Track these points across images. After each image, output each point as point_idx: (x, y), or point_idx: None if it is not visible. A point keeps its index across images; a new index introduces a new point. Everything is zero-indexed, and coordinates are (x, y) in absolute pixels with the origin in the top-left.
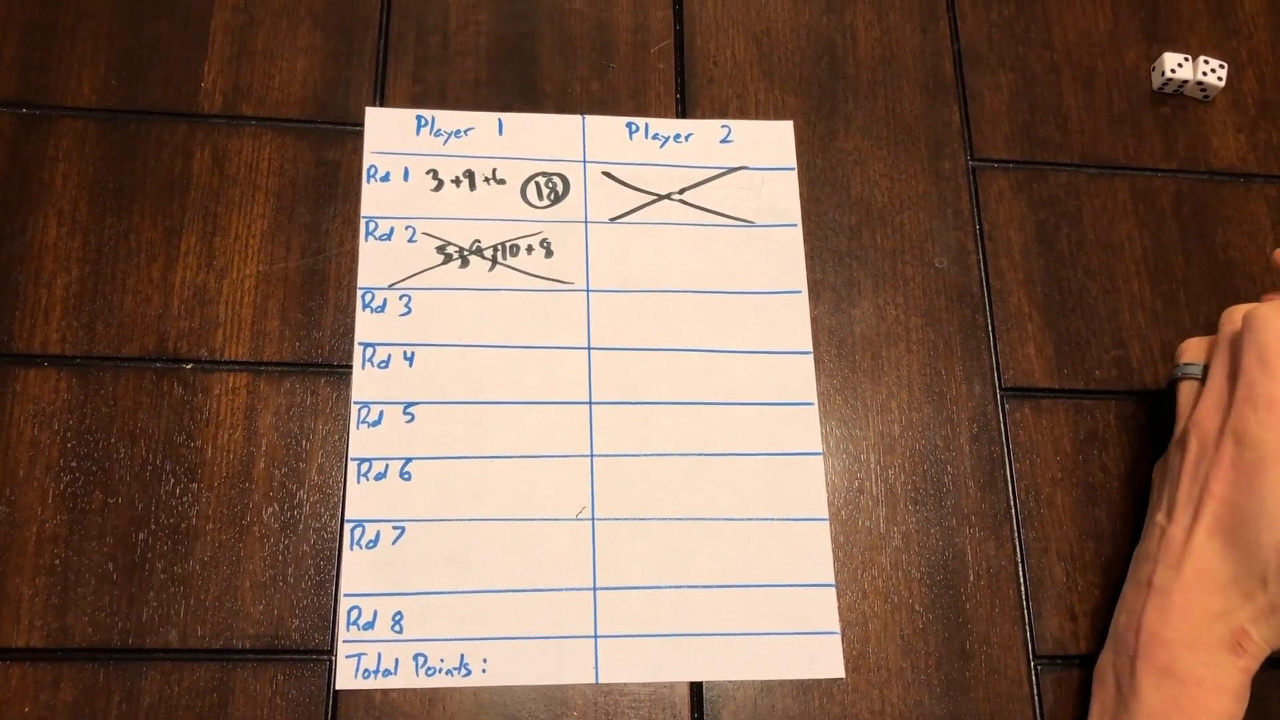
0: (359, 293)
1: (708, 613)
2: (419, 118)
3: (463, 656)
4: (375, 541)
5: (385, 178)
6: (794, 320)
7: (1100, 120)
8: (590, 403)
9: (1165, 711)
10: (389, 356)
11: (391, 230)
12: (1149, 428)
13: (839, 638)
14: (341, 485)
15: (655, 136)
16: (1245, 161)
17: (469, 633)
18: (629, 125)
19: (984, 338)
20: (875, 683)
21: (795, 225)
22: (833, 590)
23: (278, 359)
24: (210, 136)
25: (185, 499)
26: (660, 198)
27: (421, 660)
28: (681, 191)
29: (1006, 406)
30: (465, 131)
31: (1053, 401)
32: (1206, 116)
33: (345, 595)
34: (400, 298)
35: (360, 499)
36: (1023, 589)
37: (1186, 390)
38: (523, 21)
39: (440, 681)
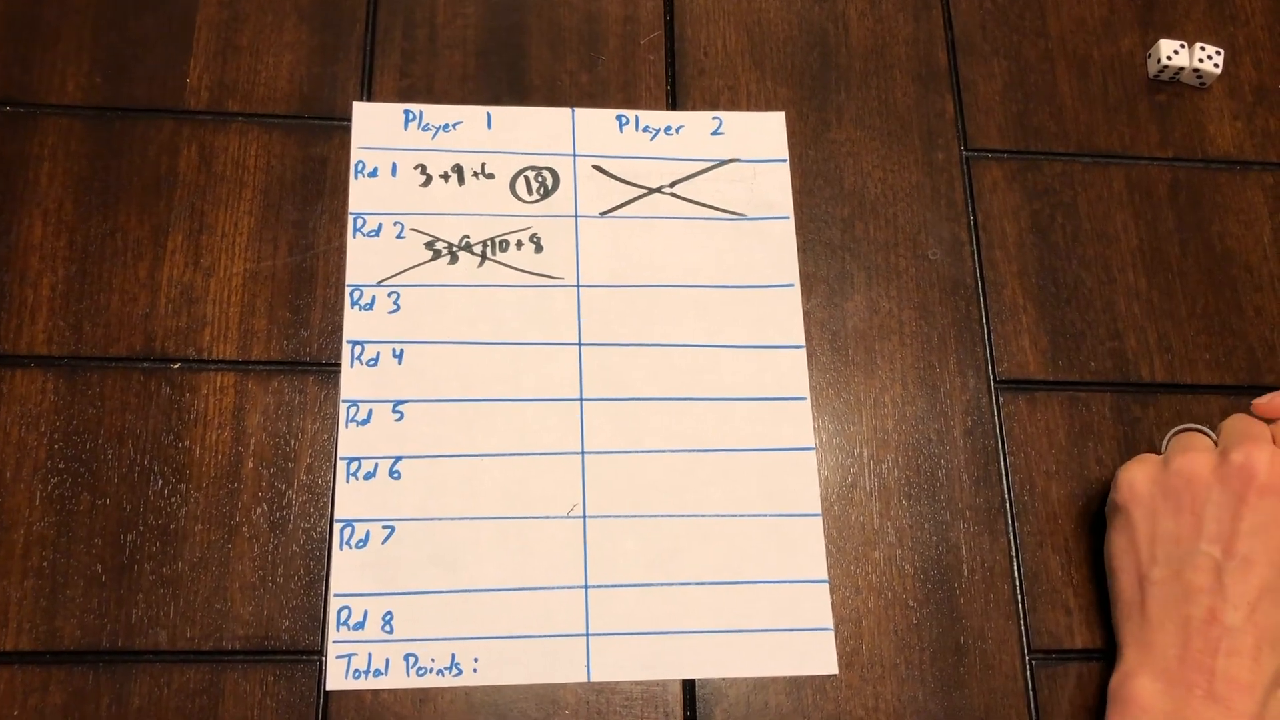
0: (347, 290)
1: (700, 610)
2: (406, 112)
3: (454, 656)
4: (365, 541)
5: (373, 173)
6: (786, 314)
7: (1095, 109)
8: (581, 399)
9: None
10: (378, 354)
11: (380, 226)
12: (1144, 420)
13: (832, 634)
14: (331, 485)
15: (646, 129)
16: (1242, 149)
17: (460, 632)
18: (619, 118)
19: (978, 330)
20: (869, 679)
21: (787, 218)
22: (826, 586)
23: (265, 358)
24: (196, 133)
25: (174, 500)
26: (651, 191)
27: (412, 660)
28: (672, 185)
29: (1001, 399)
30: (453, 125)
31: (1047, 394)
32: (1203, 104)
33: (335, 595)
34: (389, 295)
35: (350, 498)
36: (1017, 583)
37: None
38: (511, 13)
39: (431, 681)
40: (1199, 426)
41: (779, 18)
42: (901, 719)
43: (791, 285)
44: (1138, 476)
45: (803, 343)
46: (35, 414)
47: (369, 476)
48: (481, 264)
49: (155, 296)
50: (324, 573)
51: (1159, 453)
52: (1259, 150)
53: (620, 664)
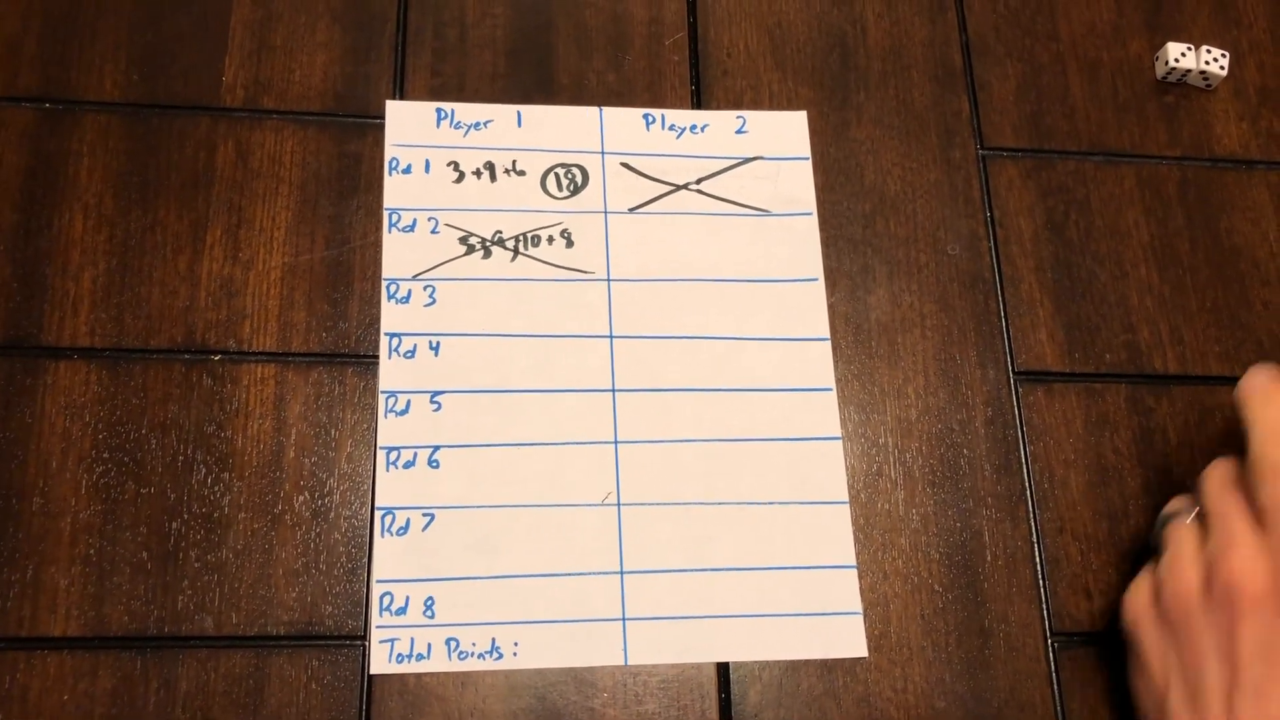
0: (383, 284)
1: (733, 595)
2: (438, 110)
3: (494, 640)
4: (405, 528)
5: (407, 170)
6: (811, 307)
7: (1106, 109)
8: (613, 390)
9: None
10: (415, 346)
11: (414, 222)
12: (1158, 411)
13: (861, 618)
14: (371, 473)
15: (672, 127)
16: (1248, 149)
17: (499, 617)
18: (645, 116)
19: (996, 323)
20: (897, 661)
21: (810, 214)
22: (854, 572)
23: (305, 350)
24: (233, 130)
25: (217, 488)
26: (678, 188)
27: (454, 644)
28: (699, 181)
29: (1020, 390)
30: (484, 124)
31: (1064, 385)
32: (1209, 105)
33: (377, 581)
34: (424, 288)
35: (390, 486)
36: (1039, 569)
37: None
38: (538, 14)
39: (472, 665)
40: (1185, 505)
41: (799, 20)
42: (929, 699)
43: (815, 279)
44: (1139, 604)
45: (827, 335)
46: (79, 404)
47: (408, 465)
48: (514, 259)
49: (195, 290)
50: (366, 559)
51: (1191, 494)
52: (1264, 150)
53: (656, 647)
